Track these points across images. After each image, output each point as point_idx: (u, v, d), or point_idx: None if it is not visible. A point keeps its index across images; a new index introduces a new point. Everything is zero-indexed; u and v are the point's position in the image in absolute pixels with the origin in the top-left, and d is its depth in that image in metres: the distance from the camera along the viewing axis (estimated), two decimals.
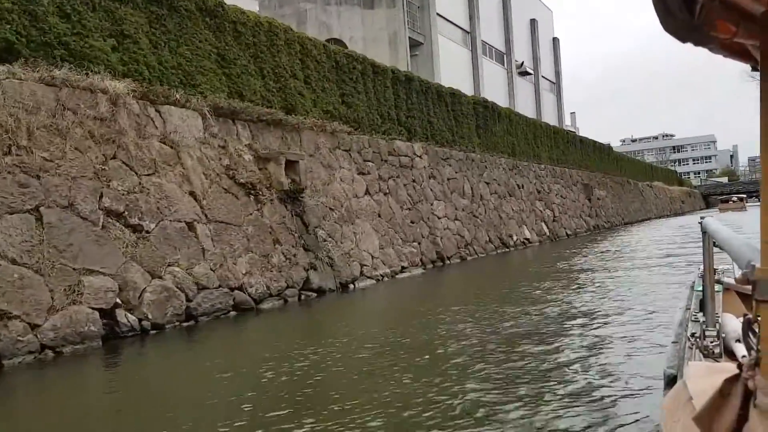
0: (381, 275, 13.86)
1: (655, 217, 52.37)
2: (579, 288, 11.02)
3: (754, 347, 0.90)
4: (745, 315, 1.45)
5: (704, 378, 0.98)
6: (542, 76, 47.00)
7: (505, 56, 40.60)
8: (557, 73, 51.13)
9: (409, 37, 28.83)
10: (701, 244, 2.58)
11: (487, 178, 23.62)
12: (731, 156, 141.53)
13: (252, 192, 11.12)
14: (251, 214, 11.00)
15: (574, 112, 56.13)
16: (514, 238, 23.48)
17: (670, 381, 2.08)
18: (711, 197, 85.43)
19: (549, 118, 42.50)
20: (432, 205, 18.63)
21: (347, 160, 15.10)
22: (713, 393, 0.86)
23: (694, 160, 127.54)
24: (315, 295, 11.42)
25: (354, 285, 12.73)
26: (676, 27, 0.99)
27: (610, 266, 14.30)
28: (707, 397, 0.87)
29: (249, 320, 9.39)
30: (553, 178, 31.92)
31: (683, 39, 1.02)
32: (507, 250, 22.38)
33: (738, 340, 2.19)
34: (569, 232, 30.16)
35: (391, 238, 15.36)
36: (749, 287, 1.13)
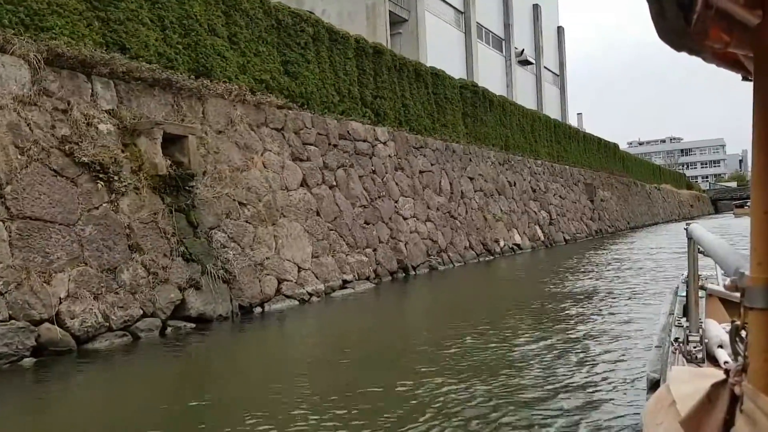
0: (309, 293, 10.48)
1: (662, 221, 48.87)
2: (573, 346, 6.44)
3: (741, 353, 0.90)
4: (733, 321, 1.02)
5: (687, 382, 0.97)
6: (545, 67, 43.51)
7: (503, 42, 37.15)
8: (561, 65, 47.62)
9: (390, 12, 25.41)
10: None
11: (471, 172, 20.20)
12: (740, 161, 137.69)
13: (101, 176, 7.75)
14: (96, 208, 7.62)
15: (581, 113, 52.63)
16: (501, 243, 20.06)
17: (653, 385, 2.17)
18: (720, 202, 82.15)
19: (551, 112, 39.03)
20: (397, 202, 15.24)
21: (278, 142, 11.71)
22: (700, 397, 0.85)
23: (702, 164, 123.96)
24: (193, 325, 8.04)
25: (263, 308, 9.35)
26: (671, 34, 1.02)
27: (622, 290, 10.85)
28: (693, 402, 0.87)
29: (51, 372, 6.01)
30: (552, 175, 28.48)
31: (677, 47, 1.04)
32: (491, 257, 18.98)
33: (720, 346, 2.14)
34: (568, 237, 26.72)
35: (332, 244, 11.96)
36: (733, 294, 1.27)
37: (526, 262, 18.81)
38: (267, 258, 9.97)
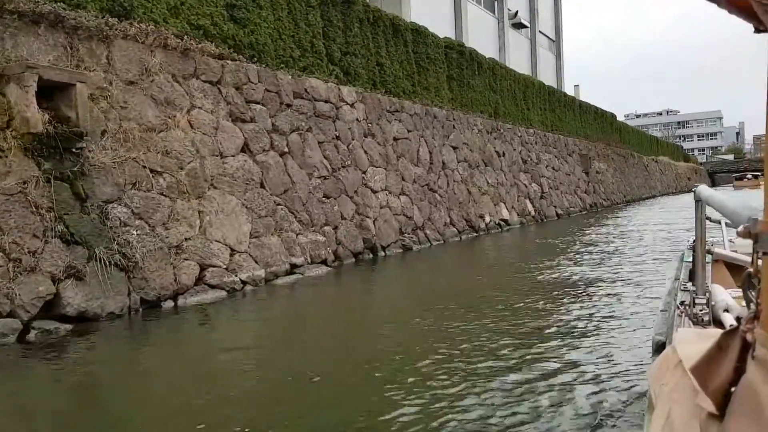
0: (243, 281, 8.64)
1: (660, 194, 47.16)
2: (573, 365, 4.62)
3: (754, 300, 0.89)
4: (745, 269, 1.00)
5: (693, 343, 0.92)
6: (540, 31, 41.13)
7: (496, 3, 34.80)
8: (557, 30, 45.20)
9: None
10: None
11: (455, 141, 18.25)
12: (737, 133, 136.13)
13: None
14: None
15: (577, 85, 50.21)
16: (487, 219, 18.22)
17: (659, 347, 2.12)
18: (717, 175, 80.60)
19: (547, 80, 36.81)
20: (365, 173, 13.33)
21: (212, 98, 9.74)
22: (711, 345, 0.82)
23: (699, 136, 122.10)
24: (70, 327, 6.20)
25: (176, 302, 7.51)
26: None
27: (627, 278, 9.05)
28: (704, 350, 0.85)
29: None
30: (545, 146, 26.56)
31: None
32: (476, 234, 17.17)
33: (726, 310, 2.10)
34: (560, 212, 24.92)
35: (280, 221, 10.09)
36: (739, 257, 2.33)
37: (512, 241, 17.01)
38: (187, 239, 8.09)
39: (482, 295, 8.11)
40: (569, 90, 42.72)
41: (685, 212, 23.60)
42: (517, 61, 34.72)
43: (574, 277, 8.85)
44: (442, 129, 17.69)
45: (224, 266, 8.49)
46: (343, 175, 12.44)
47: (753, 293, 0.93)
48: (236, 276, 8.56)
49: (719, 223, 3.75)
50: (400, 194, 14.36)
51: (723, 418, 0.74)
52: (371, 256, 12.41)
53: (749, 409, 0.68)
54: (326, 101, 12.68)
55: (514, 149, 22.90)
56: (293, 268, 9.82)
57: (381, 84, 15.60)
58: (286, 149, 11.12)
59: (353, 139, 13.28)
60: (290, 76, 11.87)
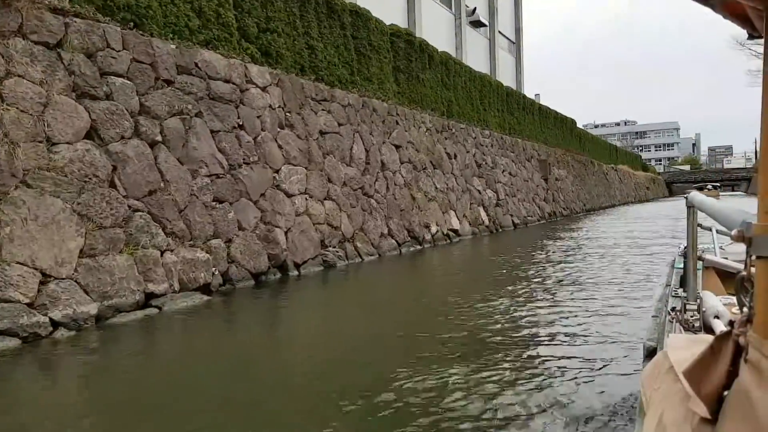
0: (57, 322, 5.97)
1: (619, 203, 45.89)
2: None
3: (747, 304, 0.91)
4: (738, 272, 1.04)
5: (685, 349, 0.93)
6: (499, 32, 39.31)
7: None
8: (518, 31, 43.50)
9: None
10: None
11: (398, 139, 15.85)
12: (693, 144, 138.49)
13: None
14: None
15: (538, 94, 48.39)
16: (433, 229, 15.85)
17: (650, 353, 2.07)
18: (674, 185, 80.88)
19: (505, 83, 34.94)
20: (278, 172, 10.76)
21: (44, 64, 7.05)
22: (704, 349, 0.82)
23: (656, 146, 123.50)
24: None
25: None
26: None
27: (595, 333, 6.69)
28: (696, 355, 0.84)
29: None
30: (502, 149, 24.45)
31: None
32: (419, 247, 14.77)
33: (717, 317, 2.07)
34: (517, 221, 22.80)
35: (135, 233, 7.44)
36: (730, 264, 2.49)
37: (459, 256, 14.66)
38: None
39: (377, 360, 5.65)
40: (529, 94, 40.98)
41: (653, 224, 21.75)
42: (475, 61, 32.69)
43: (521, 330, 6.41)
44: (382, 124, 15.26)
45: (26, 301, 5.80)
46: (246, 174, 9.85)
47: (746, 297, 0.93)
48: (45, 315, 5.87)
49: (710, 230, 3.68)
50: (324, 199, 11.83)
51: (716, 422, 0.71)
52: (279, 276, 9.84)
53: (742, 413, 0.66)
54: (226, 81, 10.08)
55: (468, 151, 20.66)
56: (150, 299, 7.18)
57: (311, 69, 13.10)
58: (160, 138, 8.47)
59: (263, 130, 10.70)
60: (173, 46, 9.24)
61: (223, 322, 7.13)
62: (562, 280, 9.32)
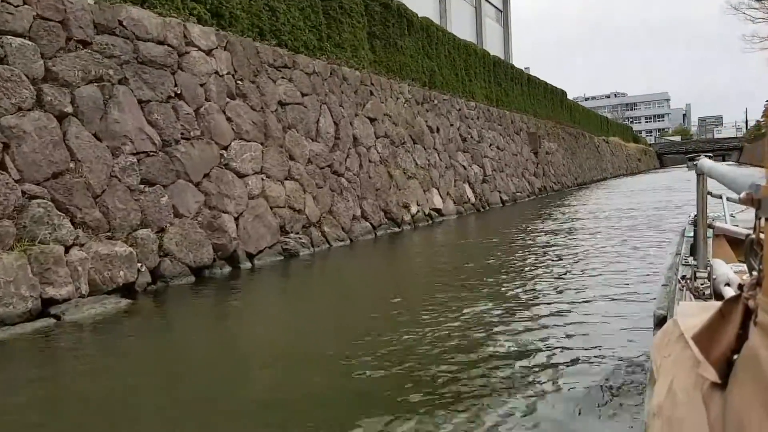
0: None
1: (611, 176, 44.69)
2: None
3: (756, 267, 0.88)
4: (747, 236, 0.98)
5: (695, 316, 0.90)
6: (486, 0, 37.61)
7: None
8: (505, 0, 41.79)
9: None
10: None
11: (373, 111, 14.40)
12: (684, 115, 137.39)
13: None
14: None
15: (528, 68, 46.45)
16: (413, 209, 14.49)
17: (660, 321, 2.08)
18: (665, 156, 79.93)
19: (493, 53, 33.30)
20: (226, 149, 9.32)
21: None
22: (713, 314, 0.80)
23: (647, 118, 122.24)
24: None
25: None
26: None
27: (587, 346, 5.31)
28: (706, 318, 0.82)
29: None
30: (488, 122, 23.03)
31: None
32: (397, 230, 13.42)
33: (727, 284, 2.04)
34: (505, 198, 21.48)
35: (30, 226, 6.02)
36: (741, 231, 2.30)
37: (443, 239, 13.34)
38: None
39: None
40: (518, 65, 39.36)
41: (648, 197, 20.44)
42: (460, 29, 31.02)
43: (497, 346, 5.08)
44: (354, 95, 13.79)
45: None
46: (184, 152, 8.40)
47: (755, 260, 0.93)
48: None
49: (720, 197, 3.54)
50: (285, 179, 10.42)
51: (726, 386, 0.70)
52: (228, 269, 8.47)
53: (752, 376, 0.66)
54: (160, 43, 8.58)
55: (452, 124, 19.22)
56: (49, 306, 5.79)
57: (272, 34, 11.57)
58: (70, 109, 7.01)
59: (208, 101, 9.23)
60: (91, 1, 7.72)
61: (136, 334, 5.76)
62: (564, 275, 8.01)
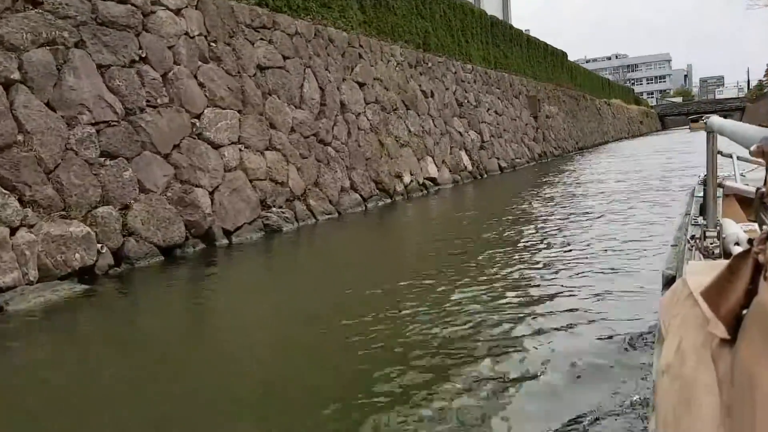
0: None
1: (612, 139, 43.80)
2: None
3: (766, 221, 0.92)
4: (758, 189, 1.01)
5: (704, 275, 0.88)
6: None
7: None
8: None
9: None
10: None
11: (362, 75, 13.61)
12: (685, 76, 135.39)
13: None
14: None
15: (528, 29, 44.96)
16: (407, 179, 13.83)
17: (669, 281, 2.04)
18: (667, 117, 78.81)
19: (491, 13, 32.07)
20: (198, 117, 8.63)
21: None
22: (722, 269, 0.78)
23: (648, 79, 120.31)
24: None
25: None
26: None
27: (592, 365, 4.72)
28: (715, 274, 0.81)
29: None
30: (486, 85, 22.18)
31: None
32: (389, 201, 12.78)
33: (737, 243, 2.01)
34: (504, 164, 20.77)
35: None
36: (751, 190, 2.02)
37: (438, 210, 12.72)
38: None
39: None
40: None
41: (653, 160, 19.63)
42: None
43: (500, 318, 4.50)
44: (342, 58, 13.00)
45: None
46: (150, 121, 7.72)
47: (765, 214, 0.95)
48: None
49: (730, 156, 3.47)
50: (265, 149, 9.74)
51: (735, 342, 0.69)
52: (203, 247, 7.87)
53: (761, 330, 0.65)
54: (122, 2, 7.82)
55: (447, 88, 18.41)
56: None
57: None
58: (17, 76, 6.31)
59: (177, 64, 8.50)
60: None
61: (89, 322, 5.18)
62: (569, 250, 7.40)
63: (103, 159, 6.98)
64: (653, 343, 2.07)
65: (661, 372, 0.86)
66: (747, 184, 3.48)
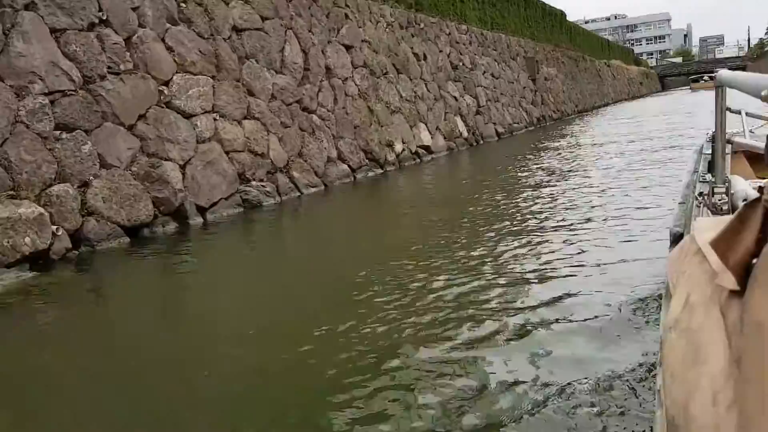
0: None
1: (612, 101, 42.89)
2: None
3: None
4: None
5: (712, 231, 0.85)
6: None
7: None
8: None
9: None
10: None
11: (350, 37, 12.85)
12: (685, 35, 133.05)
13: None
14: None
15: None
16: (398, 147, 13.19)
17: (676, 239, 2.01)
18: (667, 78, 77.55)
19: None
20: (167, 84, 7.96)
21: None
22: (731, 218, 0.78)
23: (647, 40, 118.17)
24: None
25: None
26: None
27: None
28: (724, 224, 0.80)
29: None
30: (482, 47, 21.32)
31: None
32: (380, 171, 12.17)
33: (746, 200, 1.86)
34: (501, 130, 20.08)
35: None
36: (760, 146, 1.99)
37: (432, 181, 12.13)
38: None
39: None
40: None
41: (655, 125, 18.86)
42: None
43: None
44: (326, 19, 12.22)
45: None
46: (112, 89, 7.07)
47: None
48: None
49: (739, 113, 3.32)
50: (243, 118, 9.09)
51: (744, 293, 0.69)
52: (175, 226, 7.31)
53: None
54: None
55: (441, 51, 17.60)
56: None
57: None
58: None
59: (142, 27, 7.79)
60: None
61: (33, 314, 4.65)
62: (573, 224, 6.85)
63: (58, 132, 6.36)
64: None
65: (669, 328, 0.83)
66: (756, 141, 3.42)
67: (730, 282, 0.71)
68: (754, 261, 0.68)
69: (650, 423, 2.25)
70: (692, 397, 0.66)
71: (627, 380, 2.77)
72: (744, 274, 0.69)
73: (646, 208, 6.64)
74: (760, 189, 0.80)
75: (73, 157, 6.39)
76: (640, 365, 2.89)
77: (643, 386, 2.69)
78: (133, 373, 3.36)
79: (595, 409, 2.56)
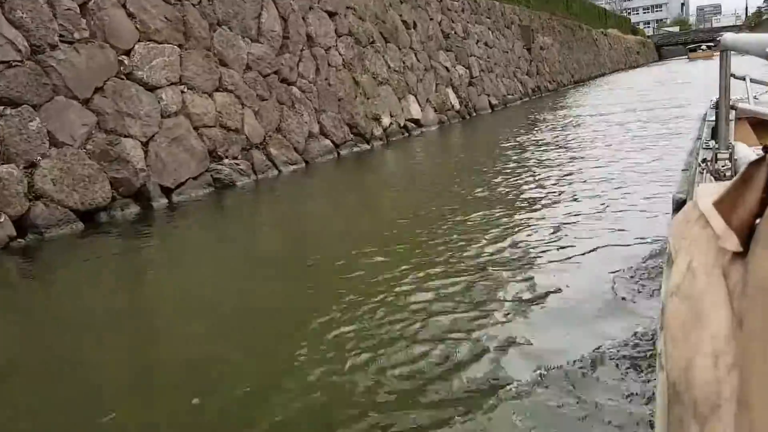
0: None
1: (609, 71, 42.03)
2: None
3: None
4: None
5: (716, 196, 0.80)
6: None
7: None
8: None
9: None
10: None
11: (333, 4, 12.10)
12: (682, 4, 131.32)
13: None
14: None
15: None
16: (386, 122, 12.55)
17: (679, 205, 2.01)
18: (664, 48, 76.47)
19: None
20: (129, 54, 7.31)
21: None
22: (735, 179, 0.74)
23: (644, 9, 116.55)
24: None
25: None
26: None
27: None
28: (728, 185, 0.77)
29: None
30: (475, 14, 20.50)
31: None
32: (366, 146, 11.56)
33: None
34: (495, 101, 19.40)
35: None
36: (764, 112, 1.89)
37: (421, 158, 11.53)
38: None
39: None
40: None
41: (656, 95, 18.24)
42: None
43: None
44: None
45: None
46: (64, 59, 6.43)
47: None
48: None
49: (744, 79, 3.17)
50: (214, 91, 8.45)
51: (746, 255, 0.67)
52: (136, 209, 6.74)
53: None
54: None
55: (431, 18, 16.82)
56: None
57: None
58: None
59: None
60: None
61: None
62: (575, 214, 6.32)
63: (1, 108, 5.74)
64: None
65: (670, 293, 0.79)
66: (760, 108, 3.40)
67: (733, 243, 0.68)
68: (758, 221, 0.66)
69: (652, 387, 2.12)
70: (693, 360, 0.65)
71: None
72: (747, 234, 0.67)
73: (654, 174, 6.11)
74: (765, 148, 0.79)
75: (18, 135, 5.78)
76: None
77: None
78: (68, 376, 2.84)
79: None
